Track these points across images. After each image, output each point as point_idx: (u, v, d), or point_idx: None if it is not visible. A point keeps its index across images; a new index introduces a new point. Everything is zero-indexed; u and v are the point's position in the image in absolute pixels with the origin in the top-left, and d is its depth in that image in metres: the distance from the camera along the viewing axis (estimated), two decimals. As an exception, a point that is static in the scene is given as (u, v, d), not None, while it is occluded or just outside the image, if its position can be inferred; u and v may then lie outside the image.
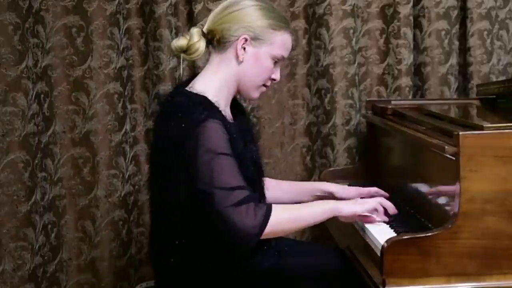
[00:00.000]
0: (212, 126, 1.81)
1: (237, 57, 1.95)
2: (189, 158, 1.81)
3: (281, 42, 1.97)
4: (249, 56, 1.95)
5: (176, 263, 1.92)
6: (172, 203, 1.89)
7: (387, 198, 2.11)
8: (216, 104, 1.90)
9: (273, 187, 2.21)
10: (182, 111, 1.85)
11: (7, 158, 2.51)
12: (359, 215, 1.98)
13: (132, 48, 2.76)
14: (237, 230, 1.78)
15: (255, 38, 1.94)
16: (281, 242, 2.03)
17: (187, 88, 1.95)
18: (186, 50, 1.96)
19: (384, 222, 2.03)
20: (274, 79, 2.02)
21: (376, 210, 2.00)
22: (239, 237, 1.80)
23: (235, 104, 2.09)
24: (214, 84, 1.95)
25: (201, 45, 1.95)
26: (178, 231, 1.91)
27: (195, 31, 1.96)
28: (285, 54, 2.00)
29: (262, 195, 2.00)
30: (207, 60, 2.04)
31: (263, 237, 1.82)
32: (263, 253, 1.94)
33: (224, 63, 1.97)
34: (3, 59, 2.47)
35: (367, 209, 1.98)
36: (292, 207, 1.93)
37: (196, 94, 1.91)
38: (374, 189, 2.23)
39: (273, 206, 1.85)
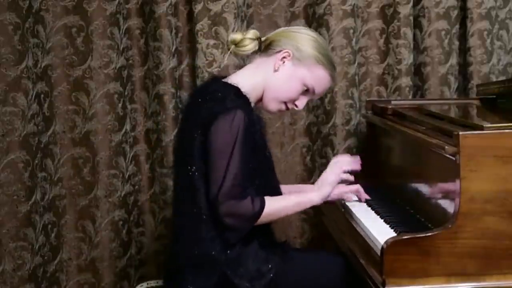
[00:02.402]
0: (240, 116, 1.90)
1: (274, 65, 2.05)
2: (211, 142, 1.91)
3: (318, 75, 2.07)
4: (284, 69, 2.06)
5: (196, 257, 1.98)
6: (194, 189, 1.97)
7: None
8: (247, 96, 2.00)
9: None
10: (215, 97, 1.96)
11: (7, 158, 2.51)
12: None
13: (132, 48, 2.76)
14: (229, 222, 1.90)
15: (297, 58, 2.05)
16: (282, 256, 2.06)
17: (223, 80, 2.06)
18: (237, 43, 2.07)
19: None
20: (296, 106, 2.11)
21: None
22: (231, 228, 1.92)
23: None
24: (248, 81, 2.05)
25: (251, 44, 2.08)
26: (201, 221, 1.97)
27: (252, 31, 2.09)
28: (317, 88, 2.09)
29: (271, 183, 2.09)
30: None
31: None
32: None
33: (262, 67, 2.08)
34: (3, 59, 2.47)
35: (332, 188, 2.10)
36: (274, 200, 2.01)
37: (230, 84, 2.01)
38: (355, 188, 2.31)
39: (266, 199, 1.95)
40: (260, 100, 2.10)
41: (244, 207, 1.91)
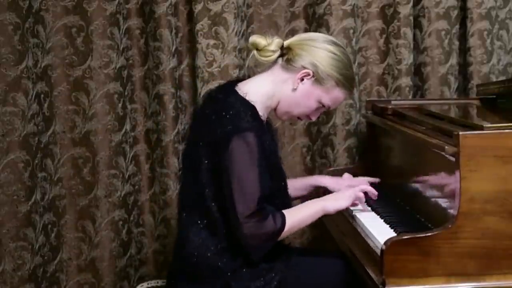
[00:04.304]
0: (254, 138, 1.90)
1: (292, 82, 2.04)
2: (225, 162, 1.90)
3: (335, 96, 2.07)
4: (302, 88, 2.04)
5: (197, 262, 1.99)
6: (205, 203, 1.98)
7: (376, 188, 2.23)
8: (262, 117, 2.01)
9: None
10: (232, 114, 1.94)
11: (7, 158, 2.50)
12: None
13: (132, 48, 2.76)
14: (254, 243, 1.92)
15: (316, 78, 2.03)
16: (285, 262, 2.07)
17: (239, 91, 2.03)
18: (259, 50, 2.05)
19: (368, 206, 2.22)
20: (310, 118, 2.13)
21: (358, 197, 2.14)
22: (255, 249, 1.94)
23: None
24: (262, 92, 2.05)
25: (274, 55, 2.05)
26: (210, 234, 1.99)
27: (276, 41, 2.05)
28: (332, 106, 2.11)
29: (287, 201, 2.10)
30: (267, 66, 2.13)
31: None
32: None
33: (281, 80, 2.06)
34: (3, 59, 2.47)
35: (350, 202, 2.10)
36: (292, 213, 2.01)
37: (246, 101, 1.99)
38: (363, 181, 2.33)
39: (285, 213, 1.96)
40: (273, 108, 2.10)
41: (267, 226, 1.92)
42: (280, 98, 2.06)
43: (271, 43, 2.04)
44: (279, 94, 2.06)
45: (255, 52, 2.06)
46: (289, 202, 2.11)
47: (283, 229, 1.94)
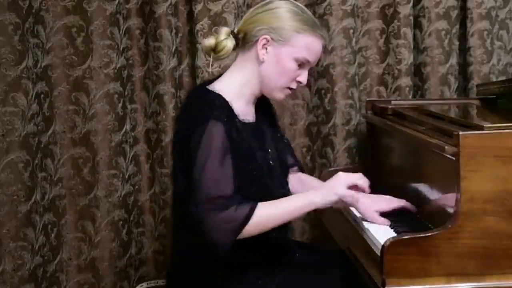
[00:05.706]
0: (214, 128, 1.83)
1: (257, 56, 1.96)
2: (187, 156, 1.85)
3: (304, 44, 1.96)
4: (270, 56, 1.96)
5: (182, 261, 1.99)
6: (176, 196, 1.99)
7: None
8: (229, 103, 1.91)
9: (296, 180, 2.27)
10: (192, 108, 1.91)
11: (7, 158, 2.51)
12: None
13: (132, 48, 2.76)
14: (212, 236, 1.82)
15: (276, 39, 1.95)
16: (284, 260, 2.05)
17: (207, 86, 1.97)
18: (214, 49, 1.98)
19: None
20: (300, 82, 2.01)
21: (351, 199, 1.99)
22: (214, 242, 1.83)
23: (264, 104, 2.10)
24: (234, 83, 1.98)
25: (228, 43, 1.97)
26: (183, 227, 1.96)
27: (223, 30, 1.99)
28: (310, 57, 1.98)
29: (274, 190, 1.98)
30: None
31: (244, 236, 1.86)
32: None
33: (247, 62, 1.99)
34: (3, 59, 2.47)
35: (341, 199, 1.97)
36: (270, 205, 1.91)
37: (211, 92, 1.93)
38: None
39: (259, 205, 1.86)
40: (262, 94, 2.02)
41: (226, 218, 1.81)
42: (258, 79, 1.98)
43: (219, 34, 1.98)
44: (254, 75, 1.98)
45: (212, 55, 1.99)
46: (273, 189, 1.98)
47: (248, 220, 1.83)
